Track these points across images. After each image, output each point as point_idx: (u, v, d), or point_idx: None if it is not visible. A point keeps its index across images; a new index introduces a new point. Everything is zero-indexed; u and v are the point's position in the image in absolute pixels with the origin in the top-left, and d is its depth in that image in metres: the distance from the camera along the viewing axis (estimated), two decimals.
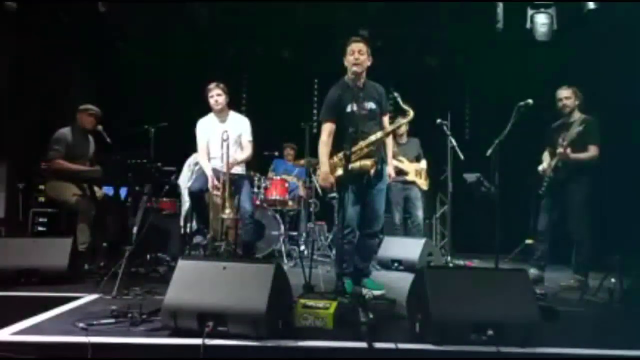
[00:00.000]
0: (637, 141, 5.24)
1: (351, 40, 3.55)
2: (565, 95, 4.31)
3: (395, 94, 3.56)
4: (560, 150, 4.16)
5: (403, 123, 3.59)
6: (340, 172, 3.44)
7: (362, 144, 3.44)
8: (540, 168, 4.47)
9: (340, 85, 3.61)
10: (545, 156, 4.53)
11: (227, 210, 4.18)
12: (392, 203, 5.63)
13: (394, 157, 5.54)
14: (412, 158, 5.70)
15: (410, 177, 5.62)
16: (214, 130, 4.49)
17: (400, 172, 5.54)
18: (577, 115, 4.30)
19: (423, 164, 5.76)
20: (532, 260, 4.49)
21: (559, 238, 4.44)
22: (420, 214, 5.62)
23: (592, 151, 4.17)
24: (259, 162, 6.19)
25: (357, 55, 3.47)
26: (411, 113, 3.55)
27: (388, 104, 3.67)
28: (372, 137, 3.47)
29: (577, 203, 4.19)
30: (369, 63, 3.56)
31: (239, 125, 4.58)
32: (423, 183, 5.71)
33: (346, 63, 3.56)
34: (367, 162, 3.44)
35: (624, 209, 5.20)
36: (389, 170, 3.78)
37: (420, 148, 5.79)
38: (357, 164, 3.42)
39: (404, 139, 5.75)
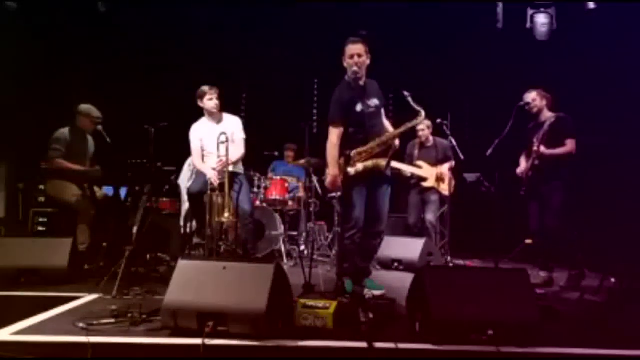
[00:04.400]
0: (636, 140, 5.24)
1: (349, 42, 3.50)
2: (531, 98, 4.38)
3: (406, 93, 3.47)
4: (534, 148, 4.21)
5: (417, 123, 3.52)
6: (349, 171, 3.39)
7: (372, 144, 3.42)
8: (518, 171, 4.47)
9: (345, 86, 3.58)
10: (522, 159, 4.55)
11: (227, 214, 4.18)
12: (409, 205, 5.58)
13: (415, 162, 5.51)
14: (434, 162, 5.47)
15: (429, 184, 5.44)
16: (211, 132, 4.49)
17: (419, 179, 5.46)
18: (547, 114, 4.37)
19: (444, 167, 5.43)
20: (538, 263, 4.47)
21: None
22: (429, 217, 5.47)
23: (569, 145, 4.19)
24: (259, 162, 6.19)
25: (357, 59, 3.44)
26: (423, 113, 3.46)
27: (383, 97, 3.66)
28: (384, 138, 3.45)
29: (555, 202, 4.21)
30: (368, 62, 3.52)
31: (234, 125, 4.60)
32: (444, 188, 5.39)
33: (345, 64, 3.52)
34: (382, 162, 3.43)
35: (624, 208, 5.20)
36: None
37: (448, 150, 5.45)
38: (370, 163, 3.40)
39: (430, 141, 5.55)
